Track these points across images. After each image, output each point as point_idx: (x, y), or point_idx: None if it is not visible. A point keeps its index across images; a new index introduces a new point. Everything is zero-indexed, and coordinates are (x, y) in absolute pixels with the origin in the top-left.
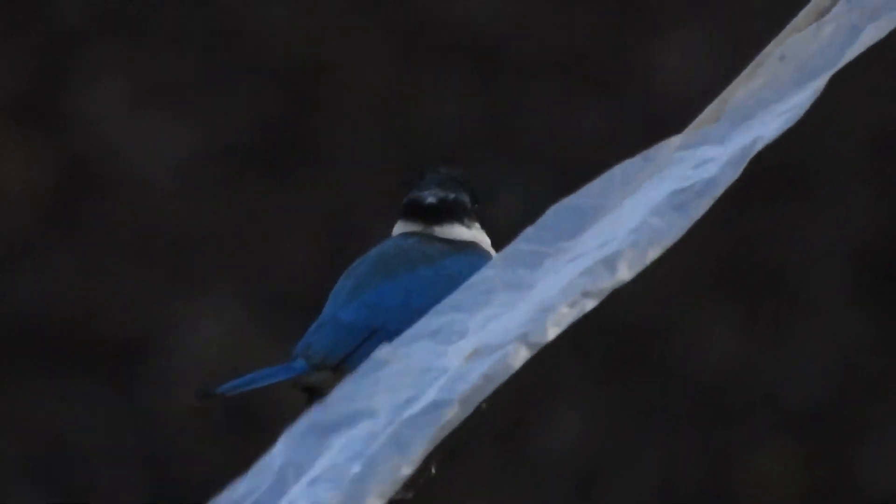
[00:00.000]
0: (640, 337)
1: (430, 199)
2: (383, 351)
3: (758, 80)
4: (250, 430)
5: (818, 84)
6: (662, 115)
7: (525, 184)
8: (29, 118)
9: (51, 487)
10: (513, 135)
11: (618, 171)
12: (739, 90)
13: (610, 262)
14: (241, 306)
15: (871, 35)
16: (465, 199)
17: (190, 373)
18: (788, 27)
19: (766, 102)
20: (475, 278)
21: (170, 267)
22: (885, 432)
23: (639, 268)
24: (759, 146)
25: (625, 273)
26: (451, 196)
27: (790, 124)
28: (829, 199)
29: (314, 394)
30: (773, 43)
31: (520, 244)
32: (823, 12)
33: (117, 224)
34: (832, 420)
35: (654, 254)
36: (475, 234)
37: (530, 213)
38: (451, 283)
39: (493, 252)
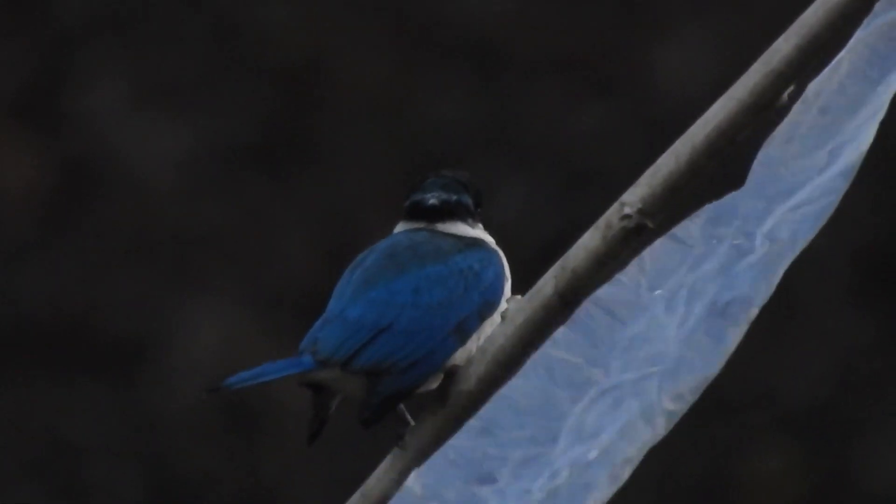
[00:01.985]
0: None
1: (432, 201)
2: (413, 482)
3: (781, 131)
4: (250, 429)
5: (848, 159)
6: (662, 115)
7: (525, 184)
8: (29, 118)
9: (51, 487)
10: (513, 135)
11: (647, 255)
12: (764, 146)
13: (649, 417)
14: (241, 306)
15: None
16: (468, 201)
17: (190, 373)
18: (800, 21)
19: (793, 158)
20: (506, 390)
21: (170, 267)
22: (884, 432)
23: (676, 420)
24: (790, 257)
25: (661, 430)
26: (454, 198)
27: (824, 219)
28: None
29: (320, 391)
30: (781, 38)
31: (552, 350)
32: (839, 7)
33: (117, 224)
34: (830, 420)
35: (692, 398)
36: (479, 233)
37: (530, 214)
38: (462, 278)
39: (499, 250)
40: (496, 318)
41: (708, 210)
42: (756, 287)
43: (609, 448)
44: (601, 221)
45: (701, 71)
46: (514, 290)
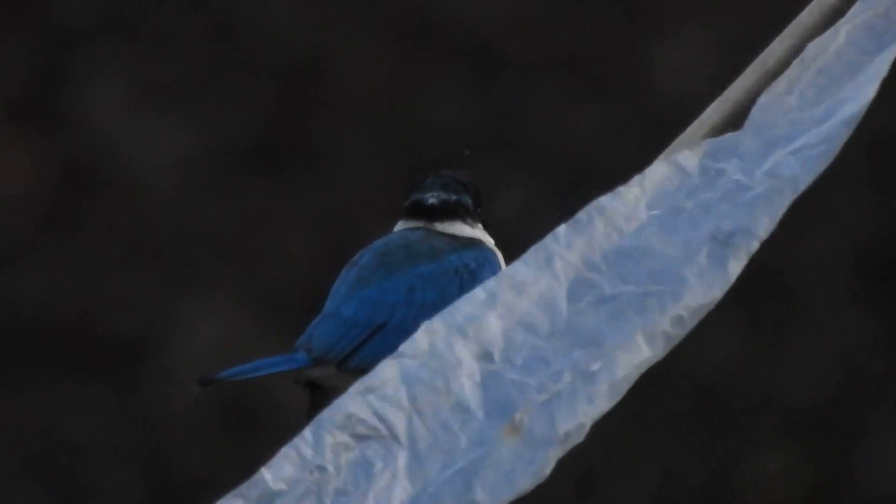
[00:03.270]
0: None
1: (432, 200)
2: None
3: (780, 84)
4: (249, 429)
5: (849, 111)
6: (662, 115)
7: (525, 184)
8: (29, 118)
9: (51, 487)
10: (513, 135)
11: (647, 175)
12: (762, 96)
13: (650, 336)
14: (241, 306)
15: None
16: (468, 201)
17: (190, 373)
18: (795, 23)
19: (790, 109)
20: (508, 270)
21: (170, 267)
22: (885, 433)
23: (674, 344)
24: (791, 195)
25: (660, 352)
26: (454, 198)
27: (825, 162)
28: (829, 199)
29: (316, 390)
30: (777, 40)
31: (553, 244)
32: (833, 8)
33: (117, 224)
34: (832, 421)
35: (692, 322)
36: (477, 233)
37: (530, 213)
38: (457, 277)
39: (497, 251)
40: None
41: (706, 145)
42: (758, 220)
43: (611, 361)
44: None
45: (700, 71)
46: None
